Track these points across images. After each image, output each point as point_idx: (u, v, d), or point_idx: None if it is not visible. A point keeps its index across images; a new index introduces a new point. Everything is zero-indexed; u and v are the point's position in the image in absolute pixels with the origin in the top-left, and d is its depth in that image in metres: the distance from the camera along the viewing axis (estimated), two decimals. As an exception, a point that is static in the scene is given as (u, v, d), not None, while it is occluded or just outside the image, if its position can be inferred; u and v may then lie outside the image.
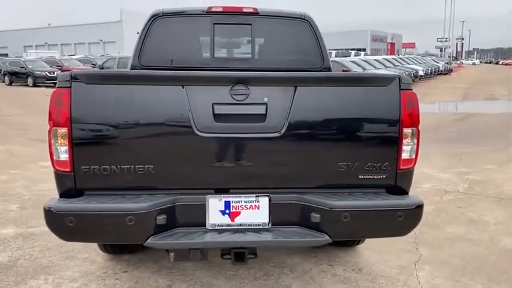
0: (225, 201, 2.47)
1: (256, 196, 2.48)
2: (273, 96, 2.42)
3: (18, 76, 25.50)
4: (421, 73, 27.82)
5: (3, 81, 26.17)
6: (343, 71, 19.21)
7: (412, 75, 25.69)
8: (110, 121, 2.35)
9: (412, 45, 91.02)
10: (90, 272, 3.29)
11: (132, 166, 2.37)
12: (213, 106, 2.38)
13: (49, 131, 2.35)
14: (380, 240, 3.82)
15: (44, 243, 3.74)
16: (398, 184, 2.57)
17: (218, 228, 2.46)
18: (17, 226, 4.19)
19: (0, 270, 3.31)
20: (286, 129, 2.41)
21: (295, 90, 2.43)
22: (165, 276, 3.22)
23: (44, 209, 2.30)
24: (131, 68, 4.06)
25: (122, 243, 3.17)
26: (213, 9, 4.03)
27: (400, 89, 2.47)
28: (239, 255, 2.48)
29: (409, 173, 2.59)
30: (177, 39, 4.09)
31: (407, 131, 2.49)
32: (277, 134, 2.41)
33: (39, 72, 24.40)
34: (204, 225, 2.46)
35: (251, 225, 2.48)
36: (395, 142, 2.49)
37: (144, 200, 2.36)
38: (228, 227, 2.47)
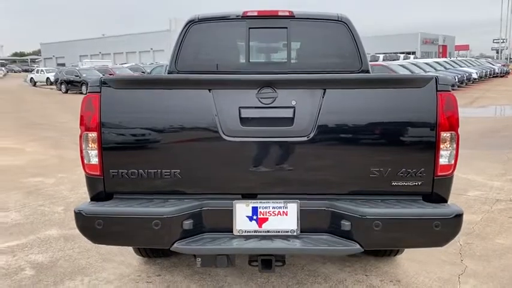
0: (253, 207, 2.42)
1: (285, 202, 2.41)
2: (301, 99, 2.35)
3: (74, 84, 26.69)
4: (474, 76, 26.66)
5: (60, 90, 27.51)
6: None
7: (465, 78, 24.67)
8: (137, 125, 2.37)
9: (465, 48, 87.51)
10: (125, 274, 3.34)
11: (159, 171, 2.38)
12: (239, 110, 2.34)
13: (80, 136, 2.40)
14: (421, 251, 3.64)
15: (83, 245, 3.83)
16: (436, 191, 2.42)
17: (245, 234, 2.41)
18: (60, 228, 4.33)
19: (41, 271, 3.42)
20: (314, 133, 2.34)
21: (324, 93, 2.35)
22: (197, 281, 3.21)
23: (75, 211, 2.34)
24: (168, 73, 4.12)
25: (152, 247, 3.18)
26: (248, 14, 4.01)
27: (437, 91, 2.33)
28: (266, 262, 2.41)
29: (447, 180, 2.43)
30: (213, 44, 4.10)
31: (445, 135, 2.34)
32: (305, 138, 2.34)
33: (92, 81, 25.38)
34: (231, 231, 2.42)
35: (279, 231, 2.41)
36: (432, 147, 2.35)
37: (171, 204, 2.35)
38: (255, 233, 2.41)
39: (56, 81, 28.96)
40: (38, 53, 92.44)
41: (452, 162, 2.39)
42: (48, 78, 35.11)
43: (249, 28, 4.01)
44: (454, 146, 2.37)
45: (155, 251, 3.41)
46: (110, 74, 28.89)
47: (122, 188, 2.43)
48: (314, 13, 4.10)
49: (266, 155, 2.39)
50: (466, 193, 5.32)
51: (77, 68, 30.35)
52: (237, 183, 2.43)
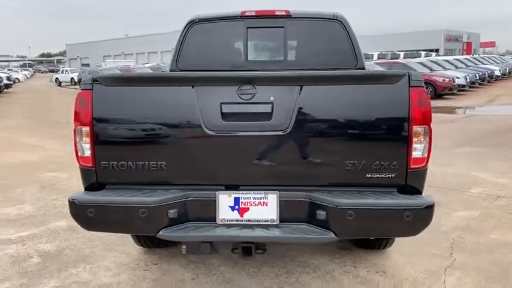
0: (235, 197, 2.56)
1: (265, 193, 2.55)
2: (279, 96, 2.48)
3: (96, 84, 27.26)
4: (497, 73, 26.14)
5: (83, 89, 28.15)
6: None
7: (487, 75, 24.23)
8: (126, 120, 2.54)
9: (491, 44, 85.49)
10: (125, 263, 3.52)
11: (146, 163, 2.54)
12: (221, 105, 2.48)
13: (74, 130, 2.59)
14: (411, 244, 3.73)
15: (89, 236, 4.03)
16: (410, 183, 2.51)
17: (227, 223, 2.55)
18: (69, 220, 4.49)
19: (48, 259, 3.63)
20: (292, 127, 2.46)
21: (301, 89, 2.47)
22: (191, 270, 3.37)
23: (69, 200, 2.53)
24: (170, 71, 4.30)
25: (140, 235, 3.35)
26: (246, 14, 4.15)
27: (410, 86, 2.43)
28: (247, 249, 2.55)
29: (421, 172, 2.52)
30: (212, 44, 4.25)
31: (417, 129, 2.43)
32: (283, 132, 2.47)
33: (113, 80, 25.95)
34: (215, 220, 2.56)
35: (259, 221, 2.55)
36: (405, 141, 2.44)
37: (157, 194, 2.51)
38: (237, 222, 2.55)
39: (79, 81, 29.68)
40: (63, 53, 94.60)
41: (425, 155, 2.48)
42: (72, 78, 35.97)
43: (247, 28, 4.15)
44: (427, 139, 2.46)
45: (153, 241, 3.58)
46: (131, 74, 29.43)
47: (113, 179, 2.61)
48: (310, 12, 4.21)
49: (246, 148, 2.53)
50: (469, 190, 5.34)
51: (99, 68, 31.03)
52: (220, 175, 2.58)
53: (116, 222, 2.51)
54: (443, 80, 18.37)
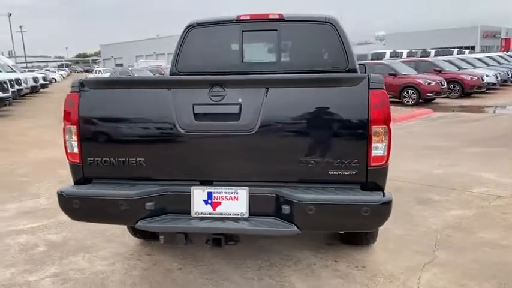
0: (208, 192, 2.74)
1: (236, 188, 2.72)
2: (247, 97, 2.65)
3: (126, 84, 28.04)
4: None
5: (114, 89, 29.00)
6: (435, 70, 18.23)
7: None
8: (108, 120, 2.77)
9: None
10: (120, 253, 3.77)
11: (126, 159, 2.76)
12: (193, 106, 2.67)
13: (64, 129, 2.84)
14: (397, 241, 3.83)
15: (93, 228, 4.30)
16: (371, 181, 2.63)
17: (201, 216, 2.74)
18: (78, 213, 4.85)
19: (53, 248, 3.92)
20: (258, 127, 2.62)
21: (267, 91, 2.63)
22: (180, 260, 3.58)
23: (57, 193, 2.77)
24: (170, 74, 4.52)
25: (120, 225, 3.56)
26: (241, 18, 4.33)
27: (369, 88, 2.55)
28: (217, 240, 2.74)
29: (382, 170, 2.63)
30: (210, 47, 4.45)
31: (376, 129, 2.55)
32: (250, 132, 2.63)
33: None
34: (190, 213, 2.76)
35: (230, 214, 2.72)
36: (364, 140, 2.56)
37: (136, 188, 2.73)
38: (210, 215, 2.74)
39: (111, 81, 30.51)
40: (98, 54, 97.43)
41: (385, 154, 2.60)
42: (104, 78, 37.00)
43: (243, 31, 4.33)
44: (386, 139, 2.57)
45: (147, 233, 3.81)
46: (161, 74, 30.09)
47: (98, 174, 2.84)
48: (302, 15, 4.35)
49: (217, 146, 2.71)
50: (470, 189, 5.34)
51: (130, 69, 31.82)
52: (194, 171, 2.77)
53: (98, 213, 2.75)
54: (471, 78, 17.97)
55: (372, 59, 27.51)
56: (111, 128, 2.77)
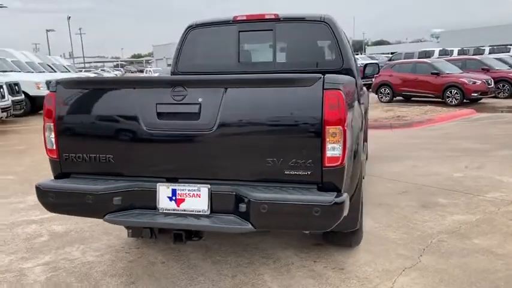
0: (172, 189, 2.84)
1: (198, 186, 2.80)
2: (206, 97, 2.71)
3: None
4: None
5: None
6: (482, 69, 17.41)
7: None
8: (81, 118, 2.93)
9: None
10: (113, 245, 3.95)
11: (97, 156, 2.91)
12: (156, 106, 2.77)
13: (44, 126, 3.03)
14: (384, 243, 3.78)
15: (96, 221, 4.52)
16: (328, 181, 2.62)
17: (166, 212, 2.84)
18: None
19: (54, 238, 4.17)
20: (217, 126, 2.68)
21: (225, 91, 2.68)
22: (165, 255, 3.70)
23: (35, 186, 2.97)
24: (171, 74, 4.68)
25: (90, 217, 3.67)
26: (238, 18, 4.41)
27: (324, 89, 2.54)
28: (178, 236, 2.83)
29: (337, 171, 2.61)
30: (208, 47, 4.57)
31: (330, 129, 2.54)
32: (209, 131, 2.70)
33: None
34: (156, 209, 2.86)
35: (193, 211, 2.80)
36: (318, 140, 2.56)
37: (104, 183, 2.87)
38: (174, 212, 2.83)
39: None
40: (151, 54, 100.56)
41: (340, 154, 2.58)
42: (154, 77, 38.14)
43: (239, 31, 4.40)
44: (341, 139, 2.55)
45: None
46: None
47: (74, 169, 3.01)
48: (298, 15, 4.37)
49: (179, 145, 2.80)
50: (484, 194, 5.11)
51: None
52: (160, 168, 2.87)
53: (70, 206, 2.92)
54: (523, 77, 17.00)
55: (419, 57, 26.62)
56: (83, 125, 2.93)
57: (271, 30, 4.35)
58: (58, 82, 2.96)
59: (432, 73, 16.09)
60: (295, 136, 2.62)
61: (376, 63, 6.14)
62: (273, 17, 4.33)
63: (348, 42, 4.56)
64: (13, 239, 4.20)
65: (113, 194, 2.82)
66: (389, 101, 17.15)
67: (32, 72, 19.03)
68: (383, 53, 47.67)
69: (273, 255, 3.63)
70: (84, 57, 73.04)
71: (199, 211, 2.79)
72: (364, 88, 6.82)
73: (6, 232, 4.36)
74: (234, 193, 2.72)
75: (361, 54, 65.51)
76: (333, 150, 2.57)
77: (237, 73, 4.34)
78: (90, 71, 44.94)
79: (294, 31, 4.36)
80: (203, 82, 2.80)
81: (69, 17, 56.86)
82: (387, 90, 17.49)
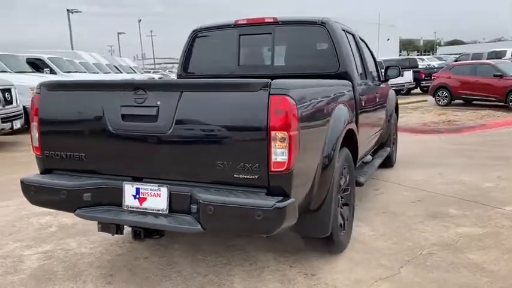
0: (136, 188, 2.96)
1: (159, 186, 2.90)
2: (164, 100, 2.81)
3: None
4: None
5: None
6: (495, 75, 15.44)
7: None
8: (57, 118, 3.14)
9: None
10: (108, 239, 4.15)
11: (72, 154, 3.11)
12: (120, 108, 2.91)
13: (30, 124, 3.28)
14: (370, 252, 3.69)
15: (104, 215, 4.80)
16: (275, 185, 2.62)
17: (130, 209, 2.97)
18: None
19: (61, 229, 4.48)
20: (173, 129, 2.77)
21: (181, 95, 2.76)
22: (151, 251, 3.85)
23: (20, 180, 3.22)
24: (177, 77, 4.85)
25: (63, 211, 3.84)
26: (239, 22, 4.48)
27: (270, 94, 2.54)
28: (136, 233, 2.95)
29: (284, 176, 2.60)
30: (211, 51, 4.69)
31: (276, 134, 2.54)
32: (166, 133, 2.79)
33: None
34: (122, 206, 3.01)
35: (153, 210, 2.91)
36: (264, 145, 2.57)
37: (76, 180, 3.06)
38: (137, 209, 2.96)
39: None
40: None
41: (286, 159, 2.56)
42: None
43: (240, 35, 4.47)
44: (286, 144, 2.54)
45: None
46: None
47: (56, 166, 3.23)
48: (296, 18, 4.36)
49: (141, 145, 2.91)
50: (504, 207, 4.78)
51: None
52: (126, 167, 3.01)
53: (47, 199, 3.14)
54: None
55: (487, 58, 25.03)
56: (60, 125, 3.15)
57: (271, 33, 4.36)
58: (42, 84, 3.19)
59: (495, 75, 15.06)
60: (243, 140, 2.65)
61: (397, 66, 5.92)
62: (272, 20, 4.35)
63: (350, 45, 4.46)
64: (27, 227, 4.56)
65: (83, 191, 3.00)
66: (447, 105, 16.31)
67: (98, 73, 20.28)
68: (453, 54, 45.25)
69: (253, 258, 3.65)
70: (154, 58, 76.28)
71: (159, 210, 2.89)
72: (391, 91, 6.61)
73: (23, 221, 4.74)
74: (189, 194, 2.79)
75: (432, 54, 62.71)
76: (278, 155, 2.56)
77: (236, 76, 4.41)
78: (158, 72, 46.81)
79: (292, 34, 4.34)
80: (161, 86, 2.91)
81: (140, 20, 59.75)
82: (445, 93, 16.66)
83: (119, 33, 57.48)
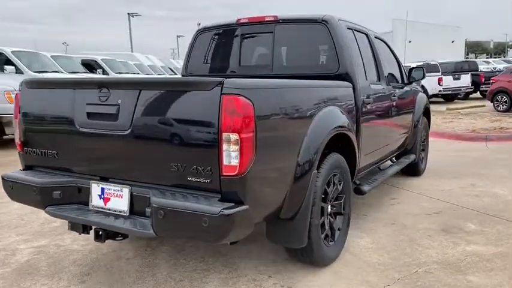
0: (101, 188, 2.92)
1: (121, 186, 2.84)
2: (125, 99, 2.73)
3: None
4: None
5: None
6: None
7: None
8: (33, 115, 3.17)
9: None
10: (102, 237, 4.17)
11: (45, 151, 3.12)
12: (86, 106, 2.88)
13: (14, 121, 3.34)
14: (361, 267, 3.43)
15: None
16: (228, 191, 2.46)
17: (95, 209, 2.93)
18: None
19: (63, 224, 4.51)
20: (131, 128, 2.69)
21: (140, 93, 2.67)
22: (136, 252, 3.81)
23: (1, 176, 3.29)
24: (182, 76, 4.80)
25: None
26: (241, 21, 4.36)
27: (222, 94, 2.39)
28: (98, 234, 2.90)
29: (237, 181, 2.43)
30: (214, 51, 4.60)
31: (227, 136, 2.38)
32: (125, 132, 2.72)
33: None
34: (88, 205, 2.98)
35: (116, 211, 2.85)
36: (215, 147, 2.42)
37: (48, 177, 3.07)
38: (102, 210, 2.91)
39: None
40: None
41: (237, 163, 2.39)
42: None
43: (242, 34, 4.35)
44: (237, 147, 2.37)
45: None
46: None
47: (35, 162, 3.26)
48: (297, 16, 4.17)
49: (104, 145, 2.86)
50: (532, 223, 4.29)
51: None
52: (93, 166, 2.98)
53: (21, 195, 3.17)
54: None
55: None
56: (35, 122, 3.18)
57: (271, 32, 4.20)
58: (23, 82, 3.24)
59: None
60: (196, 142, 2.51)
61: (421, 68, 5.52)
62: (272, 18, 4.18)
63: (359, 45, 4.19)
64: (33, 221, 4.69)
65: (52, 188, 3.00)
66: (507, 111, 15.19)
67: (152, 74, 20.92)
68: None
69: (234, 265, 3.50)
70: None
71: (121, 211, 2.83)
72: (420, 95, 6.20)
73: (33, 215, 4.88)
74: (148, 196, 2.70)
75: (503, 57, 58.90)
76: (229, 158, 2.40)
77: (237, 76, 4.29)
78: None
79: (292, 33, 4.14)
80: (122, 84, 2.85)
81: (199, 24, 60.87)
82: (504, 98, 15.54)
83: (178, 36, 59.10)
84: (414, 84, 6.08)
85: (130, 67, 19.58)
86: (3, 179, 3.26)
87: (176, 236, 2.99)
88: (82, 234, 4.04)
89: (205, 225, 2.36)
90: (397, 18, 55.42)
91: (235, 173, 2.42)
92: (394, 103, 4.91)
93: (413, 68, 5.56)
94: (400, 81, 5.49)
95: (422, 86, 19.51)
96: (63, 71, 13.36)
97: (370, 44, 4.63)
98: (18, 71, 11.49)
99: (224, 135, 2.38)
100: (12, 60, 11.85)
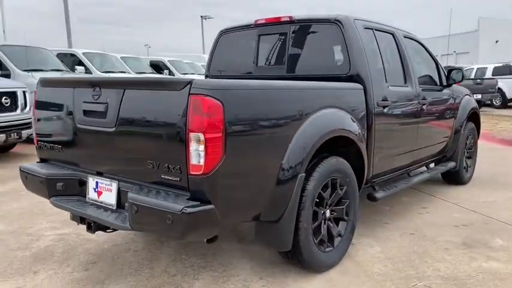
0: (96, 181, 3.08)
1: (111, 181, 2.98)
2: (112, 97, 2.86)
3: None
4: None
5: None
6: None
7: None
8: (44, 111, 3.41)
9: None
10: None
11: (52, 145, 3.35)
12: (82, 103, 3.05)
13: (32, 117, 3.62)
14: (359, 277, 3.33)
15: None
16: (195, 189, 2.49)
17: (91, 201, 3.11)
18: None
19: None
20: (117, 126, 2.82)
21: (124, 92, 2.78)
22: (146, 245, 3.95)
23: (19, 167, 3.57)
24: (205, 77, 4.92)
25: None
26: (258, 22, 4.38)
27: (190, 94, 2.43)
28: (90, 225, 3.05)
29: (204, 180, 2.44)
30: (234, 52, 4.66)
31: (193, 136, 2.42)
32: (111, 130, 2.85)
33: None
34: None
35: (106, 204, 2.99)
36: (183, 146, 2.46)
37: (54, 169, 3.29)
38: (95, 202, 3.07)
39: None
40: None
41: (202, 163, 2.41)
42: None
43: (259, 35, 4.38)
44: (203, 148, 2.39)
45: None
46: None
47: (48, 156, 3.51)
48: (311, 16, 4.10)
49: (95, 141, 3.02)
50: None
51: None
52: (90, 161, 3.15)
53: (32, 186, 3.42)
54: None
55: None
56: (45, 118, 3.42)
57: (286, 33, 4.16)
58: (39, 80, 3.50)
59: None
60: (168, 140, 2.58)
61: (460, 69, 5.16)
62: (287, 19, 4.14)
63: (379, 45, 4.03)
64: (52, 209, 4.97)
65: (56, 180, 3.22)
66: None
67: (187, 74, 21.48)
68: None
69: (231, 264, 3.52)
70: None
71: (110, 205, 2.97)
72: (466, 98, 5.82)
73: (68, 205, 5.23)
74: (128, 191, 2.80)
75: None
76: (195, 157, 2.43)
77: (253, 77, 4.30)
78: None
79: (306, 33, 4.07)
80: (110, 83, 2.98)
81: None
82: None
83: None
84: (459, 87, 5.70)
85: (197, 68, 20.23)
86: (20, 169, 3.54)
87: (147, 230, 3.08)
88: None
89: (169, 222, 2.41)
90: (483, 17, 52.20)
91: (201, 172, 2.44)
92: (425, 106, 4.64)
93: (452, 69, 5.21)
94: (438, 84, 5.18)
95: (499, 89, 18.19)
96: (131, 71, 14.15)
97: (396, 44, 4.42)
98: (87, 71, 12.38)
99: (191, 134, 2.42)
100: (82, 61, 12.76)
